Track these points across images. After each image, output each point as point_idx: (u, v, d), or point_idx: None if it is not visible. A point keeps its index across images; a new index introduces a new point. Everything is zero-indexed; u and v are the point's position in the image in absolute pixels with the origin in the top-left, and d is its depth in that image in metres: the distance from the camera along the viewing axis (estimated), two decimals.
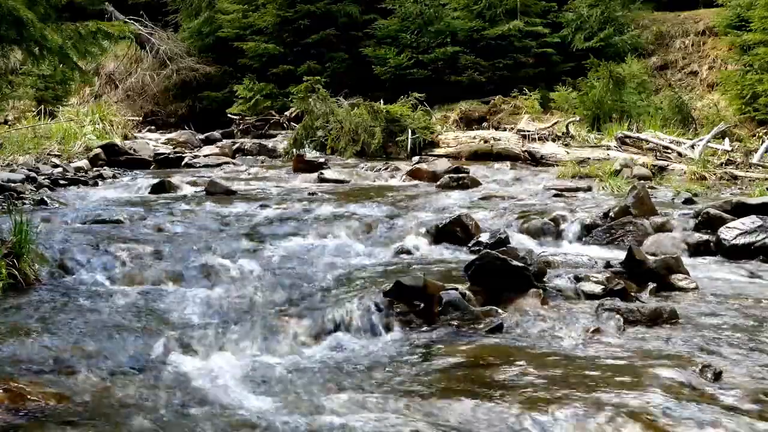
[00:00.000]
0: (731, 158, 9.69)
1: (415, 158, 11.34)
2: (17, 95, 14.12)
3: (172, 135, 15.07)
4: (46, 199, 7.27)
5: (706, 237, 5.60)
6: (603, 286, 4.29)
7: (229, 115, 17.35)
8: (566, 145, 11.68)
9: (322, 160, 10.89)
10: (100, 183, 9.08)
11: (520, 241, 5.77)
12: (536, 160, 11.17)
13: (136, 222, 6.34)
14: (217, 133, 15.95)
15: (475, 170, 9.72)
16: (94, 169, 10.11)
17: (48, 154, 10.49)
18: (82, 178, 9.07)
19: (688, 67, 15.86)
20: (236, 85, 17.67)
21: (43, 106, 14.00)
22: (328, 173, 9.61)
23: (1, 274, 4.21)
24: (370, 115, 12.33)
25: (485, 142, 11.85)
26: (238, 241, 5.71)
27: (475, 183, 8.73)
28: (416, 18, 16.63)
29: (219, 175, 9.87)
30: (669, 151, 10.39)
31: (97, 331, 3.67)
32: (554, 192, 8.02)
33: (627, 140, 10.99)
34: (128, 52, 20.07)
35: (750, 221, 5.44)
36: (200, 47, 19.64)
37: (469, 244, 5.54)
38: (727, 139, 10.50)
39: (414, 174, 9.59)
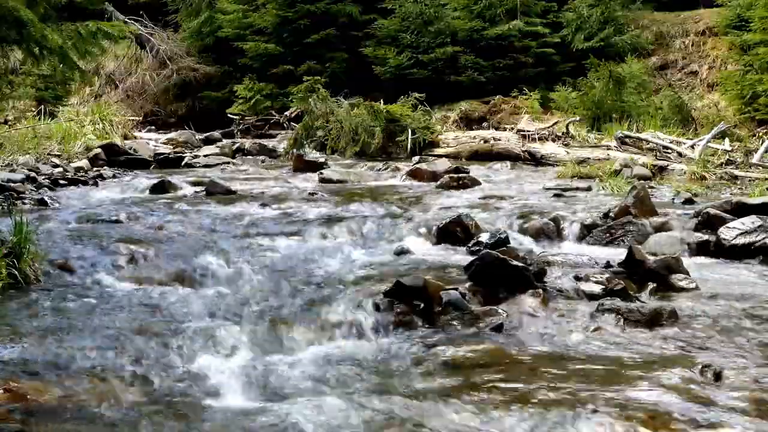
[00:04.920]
0: (731, 158, 9.68)
1: (415, 158, 11.31)
2: (17, 95, 14.05)
3: (172, 135, 15.03)
4: (46, 199, 7.25)
5: (706, 237, 5.60)
6: (603, 286, 4.30)
7: (229, 115, 17.33)
8: (566, 145, 11.67)
9: (322, 160, 10.86)
10: (100, 183, 9.06)
11: (520, 241, 5.78)
12: (536, 160, 11.16)
13: (136, 222, 6.33)
14: (217, 133, 15.90)
15: (475, 170, 9.72)
16: (94, 169, 10.08)
17: (48, 154, 10.46)
18: (82, 178, 9.05)
19: (688, 67, 15.84)
20: (236, 85, 17.65)
21: (43, 106, 13.94)
22: (328, 173, 9.59)
23: (1, 274, 4.20)
24: (370, 115, 12.31)
25: (485, 142, 11.85)
26: (238, 241, 5.71)
27: (475, 183, 8.73)
28: (416, 18, 16.61)
29: (219, 175, 9.84)
30: (669, 151, 10.39)
31: (98, 331, 3.67)
32: (554, 192, 8.02)
33: (627, 140, 10.98)
34: (128, 52, 20.03)
35: (750, 221, 5.44)
36: (200, 47, 19.62)
37: (469, 244, 5.53)
38: (727, 139, 10.49)
39: (414, 174, 9.58)
